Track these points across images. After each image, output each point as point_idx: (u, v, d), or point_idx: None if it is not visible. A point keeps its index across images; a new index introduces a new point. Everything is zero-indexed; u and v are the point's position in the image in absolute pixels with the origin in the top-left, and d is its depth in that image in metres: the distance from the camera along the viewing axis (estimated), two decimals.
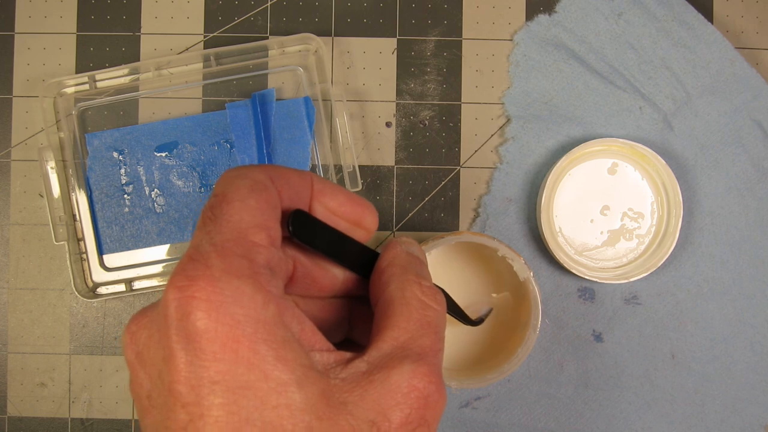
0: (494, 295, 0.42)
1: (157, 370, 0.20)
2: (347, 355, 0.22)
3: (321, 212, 0.25)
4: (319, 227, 0.25)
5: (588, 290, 0.48)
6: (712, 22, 0.49)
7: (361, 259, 0.26)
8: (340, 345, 0.24)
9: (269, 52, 0.48)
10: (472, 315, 0.41)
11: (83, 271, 0.48)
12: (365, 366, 0.22)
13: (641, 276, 0.46)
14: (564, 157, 0.46)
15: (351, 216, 0.26)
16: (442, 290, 0.28)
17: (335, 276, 0.26)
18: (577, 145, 0.46)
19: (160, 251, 0.48)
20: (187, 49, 0.49)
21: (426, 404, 0.21)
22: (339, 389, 0.21)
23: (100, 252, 0.48)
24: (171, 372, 0.19)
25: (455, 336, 0.43)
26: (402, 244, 0.26)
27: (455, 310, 0.35)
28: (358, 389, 0.21)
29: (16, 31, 0.49)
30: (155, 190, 0.48)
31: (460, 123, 0.49)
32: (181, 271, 0.20)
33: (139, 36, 0.49)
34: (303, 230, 0.24)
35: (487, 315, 0.42)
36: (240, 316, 0.19)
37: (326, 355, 0.22)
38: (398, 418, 0.21)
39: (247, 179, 0.22)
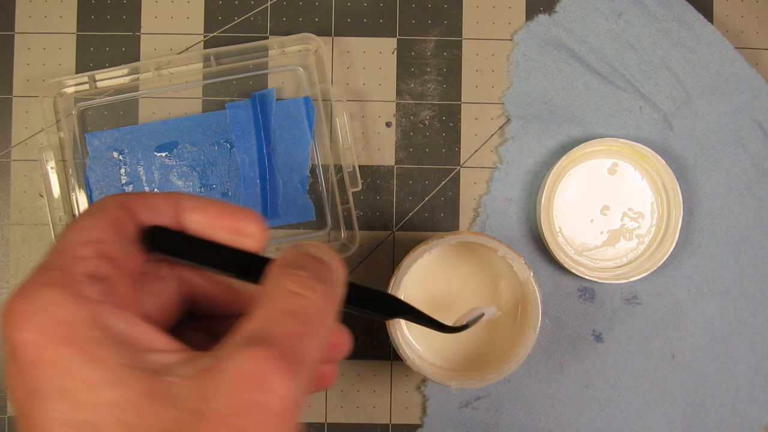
0: (494, 309, 0.40)
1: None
2: (198, 353, 0.22)
3: (195, 227, 0.26)
4: (183, 239, 0.26)
5: (588, 290, 0.48)
6: (712, 22, 0.49)
7: (248, 266, 0.26)
8: None
9: (269, 52, 0.48)
10: (464, 319, 0.38)
11: None
12: (211, 361, 0.21)
13: (641, 276, 0.46)
14: (564, 157, 0.46)
15: (226, 226, 0.26)
16: (394, 298, 0.30)
17: (236, 291, 0.27)
18: (577, 145, 0.46)
19: None
20: (187, 49, 0.49)
21: (258, 387, 0.20)
22: (174, 386, 0.21)
23: None
24: (9, 387, 0.21)
25: (455, 336, 0.43)
26: (300, 247, 0.26)
27: (423, 319, 0.33)
28: (194, 383, 0.21)
29: (16, 31, 0.49)
30: (155, 190, 0.48)
31: (460, 123, 0.49)
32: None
33: (139, 36, 0.49)
34: (161, 243, 0.25)
35: (475, 320, 0.38)
36: (45, 323, 0.20)
37: (167, 355, 0.22)
38: (222, 403, 0.20)
39: (93, 206, 0.24)
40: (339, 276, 0.25)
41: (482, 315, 0.38)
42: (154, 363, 0.21)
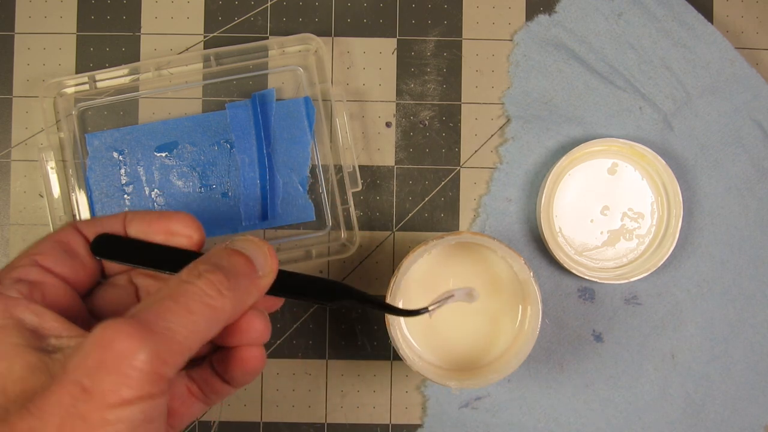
0: (470, 289, 0.37)
1: None
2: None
3: (135, 234, 0.31)
4: (123, 243, 0.30)
5: (588, 290, 0.48)
6: (712, 22, 0.49)
7: (179, 263, 0.29)
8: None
9: (269, 52, 0.48)
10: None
11: None
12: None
13: (641, 276, 0.46)
14: (564, 157, 0.46)
15: (160, 228, 0.30)
16: (330, 281, 0.32)
17: None
18: (577, 145, 0.46)
19: None
20: (187, 49, 0.49)
21: (108, 350, 0.23)
22: (54, 361, 0.25)
23: None
24: None
25: (455, 336, 0.43)
26: (228, 242, 0.30)
27: (370, 302, 0.33)
28: (66, 355, 0.25)
29: (16, 31, 0.49)
30: (155, 190, 0.48)
31: (460, 123, 0.49)
32: None
33: (139, 36, 0.49)
34: (105, 250, 0.30)
35: (440, 303, 0.36)
36: None
37: (66, 340, 0.26)
38: (72, 363, 0.23)
39: (51, 232, 0.30)
40: (263, 267, 0.29)
41: (450, 297, 0.36)
42: (51, 345, 0.25)
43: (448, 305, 0.36)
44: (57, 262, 0.29)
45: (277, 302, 0.33)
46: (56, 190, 0.47)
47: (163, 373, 0.24)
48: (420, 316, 0.35)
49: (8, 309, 0.26)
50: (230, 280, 0.27)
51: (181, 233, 0.30)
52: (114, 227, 0.31)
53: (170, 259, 0.30)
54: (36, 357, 0.25)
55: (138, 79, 0.48)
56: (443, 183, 0.49)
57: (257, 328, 0.30)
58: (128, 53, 0.49)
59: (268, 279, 0.30)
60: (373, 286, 0.48)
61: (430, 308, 0.35)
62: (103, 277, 0.32)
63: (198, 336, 0.26)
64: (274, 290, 0.30)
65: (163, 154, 0.48)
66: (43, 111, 0.46)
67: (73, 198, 0.47)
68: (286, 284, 0.31)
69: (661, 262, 0.46)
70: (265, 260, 0.29)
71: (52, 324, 0.26)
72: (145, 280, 0.32)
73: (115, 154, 0.48)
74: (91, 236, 0.30)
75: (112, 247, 0.30)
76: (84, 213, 0.47)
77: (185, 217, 0.30)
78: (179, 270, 0.28)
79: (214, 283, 0.27)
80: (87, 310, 0.30)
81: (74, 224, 0.31)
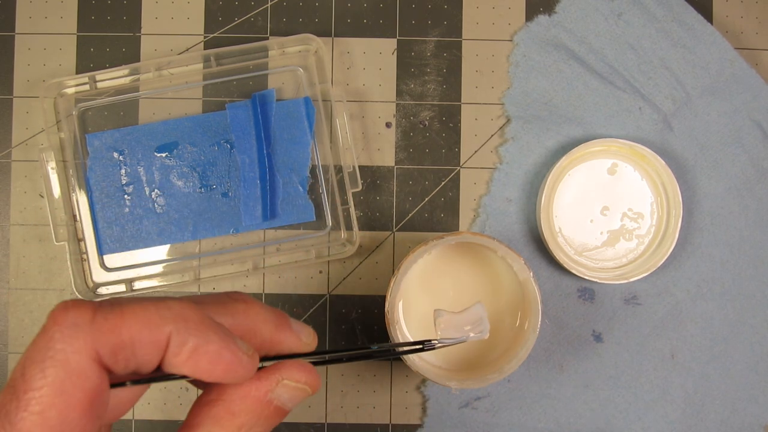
0: (485, 329, 0.35)
1: None
2: None
3: (185, 371, 0.23)
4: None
5: (588, 290, 0.48)
6: (711, 23, 0.49)
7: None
8: None
9: (269, 52, 0.48)
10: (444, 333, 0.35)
11: (83, 271, 0.48)
12: None
13: (641, 276, 0.46)
14: (564, 158, 0.46)
15: (218, 375, 0.24)
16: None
17: None
18: (577, 146, 0.46)
19: (161, 251, 0.48)
20: (187, 50, 0.49)
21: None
22: None
23: (101, 252, 0.48)
24: None
25: None
26: (274, 387, 0.26)
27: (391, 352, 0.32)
28: None
29: (16, 31, 0.49)
30: (155, 190, 0.48)
31: (460, 123, 0.49)
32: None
33: (140, 36, 0.49)
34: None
35: (453, 342, 0.33)
36: None
37: None
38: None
39: (63, 363, 0.21)
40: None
41: (465, 341, 0.33)
42: None
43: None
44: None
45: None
46: (57, 191, 0.47)
47: None
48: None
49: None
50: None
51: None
52: (150, 357, 0.23)
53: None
54: None
55: (138, 80, 0.48)
56: (443, 183, 0.49)
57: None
58: (128, 53, 0.49)
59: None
60: (373, 287, 0.48)
61: (437, 345, 0.32)
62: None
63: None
64: None
65: (164, 155, 0.48)
66: (43, 111, 0.46)
67: (74, 198, 0.47)
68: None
69: (661, 262, 0.46)
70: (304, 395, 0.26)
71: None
72: None
73: (116, 155, 0.48)
74: (118, 369, 0.22)
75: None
76: (84, 213, 0.47)
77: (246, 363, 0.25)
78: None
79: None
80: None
81: (94, 345, 0.22)
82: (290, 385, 0.25)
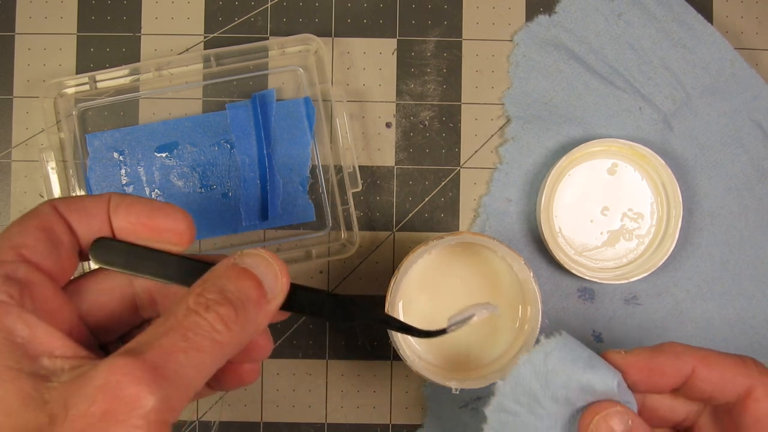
0: (491, 307, 0.35)
1: None
2: (89, 361, 0.23)
3: (123, 228, 0.27)
4: (123, 249, 0.28)
5: (588, 290, 0.48)
6: (711, 23, 0.49)
7: (183, 274, 0.28)
8: None
9: (269, 52, 0.48)
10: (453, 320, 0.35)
11: (83, 271, 0.48)
12: (89, 369, 0.22)
13: (641, 276, 0.46)
14: (564, 158, 0.46)
15: (149, 224, 0.27)
16: (351, 302, 0.29)
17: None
18: (577, 146, 0.46)
19: None
20: (187, 50, 0.49)
21: (115, 398, 0.21)
22: (51, 390, 0.22)
23: None
24: None
25: (455, 336, 0.43)
26: (236, 256, 0.27)
27: (393, 325, 0.32)
28: (64, 389, 0.22)
29: (16, 31, 0.49)
30: (155, 190, 0.48)
31: (460, 123, 0.49)
32: None
33: (140, 36, 0.49)
34: (103, 255, 0.28)
35: (459, 323, 0.34)
36: None
37: (60, 361, 0.23)
38: (77, 410, 0.21)
39: (27, 213, 0.26)
40: (272, 288, 0.27)
41: (472, 316, 0.34)
42: (44, 368, 0.22)
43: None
44: (44, 255, 0.25)
45: (282, 316, 0.30)
46: (57, 191, 0.47)
47: (170, 420, 0.22)
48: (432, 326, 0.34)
49: None
50: (239, 313, 0.25)
51: (171, 230, 0.28)
52: (97, 212, 0.27)
53: (175, 270, 0.28)
54: (30, 384, 0.22)
55: (138, 80, 0.48)
56: (443, 183, 0.49)
57: (261, 347, 0.29)
58: (128, 54, 0.49)
59: (278, 301, 0.27)
60: (373, 287, 0.48)
61: (448, 329, 0.33)
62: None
63: (205, 375, 0.24)
64: (283, 306, 0.28)
65: (164, 155, 0.48)
66: (43, 111, 0.46)
67: None
68: (296, 300, 0.28)
69: (661, 263, 0.46)
70: (275, 281, 0.27)
71: (44, 338, 0.23)
72: (143, 283, 0.29)
73: (116, 155, 0.48)
74: (74, 220, 0.27)
75: (110, 251, 0.28)
76: None
77: (176, 213, 0.28)
78: (183, 281, 0.27)
79: (223, 317, 0.24)
80: (76, 312, 0.27)
81: (53, 204, 0.27)
82: (249, 252, 0.27)
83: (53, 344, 0.23)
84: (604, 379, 0.29)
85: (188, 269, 0.28)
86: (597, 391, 0.29)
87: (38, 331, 0.23)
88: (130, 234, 0.28)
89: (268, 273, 0.27)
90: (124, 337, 0.30)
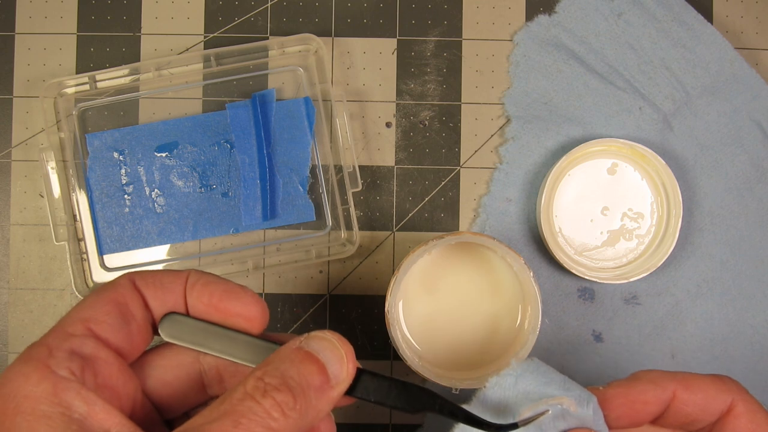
0: (568, 403, 0.29)
1: None
2: None
3: (196, 306, 0.28)
4: (192, 325, 0.28)
5: (588, 290, 0.48)
6: (711, 23, 0.49)
7: (249, 353, 0.28)
8: None
9: (269, 52, 0.48)
10: (524, 413, 0.29)
11: (84, 271, 0.48)
12: None
13: (641, 276, 0.46)
14: (564, 158, 0.46)
15: (220, 307, 0.28)
16: (421, 390, 0.28)
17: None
18: (577, 146, 0.46)
19: (161, 251, 0.48)
20: (187, 50, 0.49)
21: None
22: None
23: (101, 252, 0.48)
24: None
25: (455, 337, 0.43)
26: (302, 339, 0.27)
27: (460, 416, 0.29)
28: None
29: (16, 31, 0.49)
30: (155, 190, 0.48)
31: (460, 123, 0.49)
32: None
33: (140, 36, 0.49)
34: (172, 330, 0.28)
35: (530, 419, 0.29)
36: (9, 393, 0.23)
37: None
38: None
39: (104, 284, 0.27)
40: (337, 375, 0.26)
41: (546, 412, 0.29)
42: None
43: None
44: (114, 331, 0.26)
45: (346, 401, 0.29)
46: (57, 190, 0.47)
47: None
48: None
49: (58, 393, 0.23)
50: (297, 399, 0.24)
51: (241, 315, 0.28)
52: (174, 287, 0.28)
53: (242, 349, 0.28)
54: None
55: (138, 80, 0.48)
56: (443, 183, 0.49)
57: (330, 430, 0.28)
58: (128, 53, 0.49)
59: (342, 387, 0.26)
60: (373, 286, 0.48)
61: (520, 424, 0.29)
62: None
63: None
64: (347, 391, 0.27)
65: (164, 154, 0.48)
66: (43, 111, 0.46)
67: (74, 198, 0.47)
68: (361, 386, 0.27)
69: (661, 262, 0.46)
70: (340, 366, 0.26)
71: (102, 416, 0.24)
72: (211, 361, 0.29)
73: (116, 155, 0.48)
74: (150, 295, 0.28)
75: (179, 327, 0.28)
76: (84, 213, 0.47)
77: (248, 298, 0.28)
78: (249, 360, 0.27)
79: (280, 404, 0.24)
80: (141, 389, 0.28)
81: (131, 277, 0.28)
82: (316, 335, 0.27)
83: (110, 422, 0.24)
84: (579, 401, 0.28)
85: (255, 349, 0.28)
86: (571, 415, 0.28)
87: (96, 408, 0.24)
88: (202, 314, 0.28)
89: (333, 358, 0.26)
90: (190, 413, 0.30)
